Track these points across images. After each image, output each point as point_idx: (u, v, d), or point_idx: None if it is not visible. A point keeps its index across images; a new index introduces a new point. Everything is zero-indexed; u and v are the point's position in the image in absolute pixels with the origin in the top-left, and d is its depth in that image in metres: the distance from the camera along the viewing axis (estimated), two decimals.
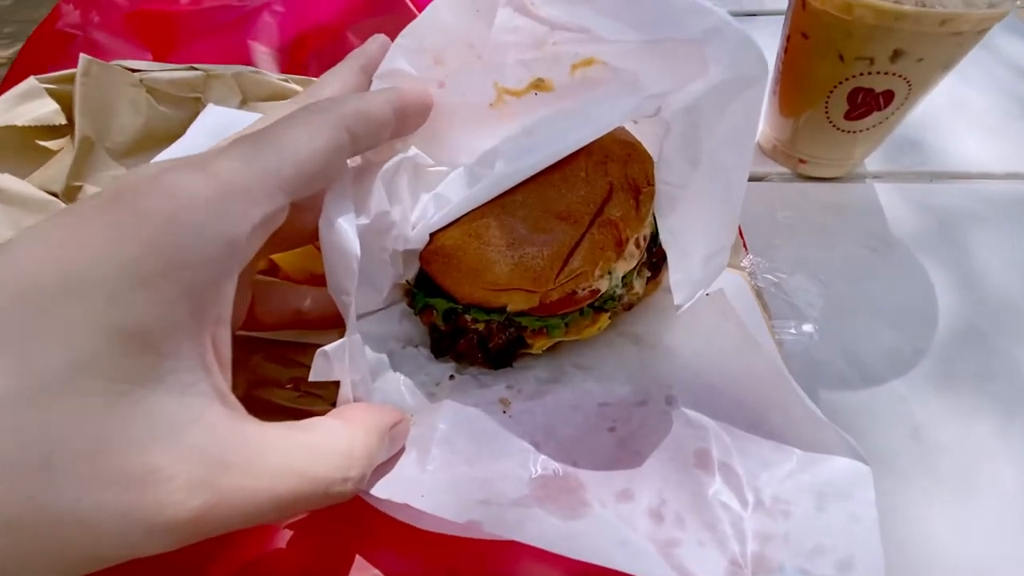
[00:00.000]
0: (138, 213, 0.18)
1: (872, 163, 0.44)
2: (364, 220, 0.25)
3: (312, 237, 0.25)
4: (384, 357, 0.29)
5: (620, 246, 0.28)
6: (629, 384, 0.29)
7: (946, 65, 0.34)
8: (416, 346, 0.31)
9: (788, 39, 0.37)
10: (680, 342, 0.30)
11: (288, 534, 0.24)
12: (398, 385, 0.29)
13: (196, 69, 0.39)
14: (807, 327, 0.32)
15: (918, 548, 0.27)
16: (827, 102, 0.37)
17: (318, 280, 0.32)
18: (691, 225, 0.27)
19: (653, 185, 0.28)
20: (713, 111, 0.23)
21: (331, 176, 0.23)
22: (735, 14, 0.29)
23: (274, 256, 0.33)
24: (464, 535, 0.24)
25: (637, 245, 0.29)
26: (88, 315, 0.16)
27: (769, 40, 0.28)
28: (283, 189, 0.21)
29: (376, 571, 0.23)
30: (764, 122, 0.44)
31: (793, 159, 0.43)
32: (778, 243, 0.38)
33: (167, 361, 0.18)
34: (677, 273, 0.29)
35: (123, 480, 0.16)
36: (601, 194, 0.27)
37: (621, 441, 0.27)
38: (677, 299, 0.29)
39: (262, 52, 0.46)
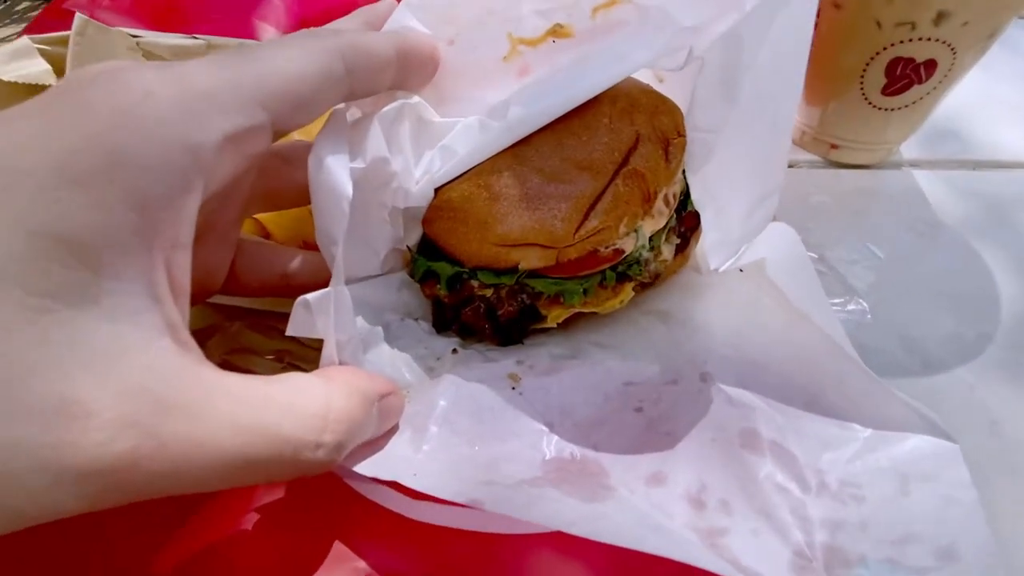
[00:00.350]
0: (84, 103, 0.15)
1: (908, 152, 0.41)
2: (359, 164, 0.23)
3: (305, 198, 0.23)
4: (379, 330, 0.26)
5: (648, 201, 0.25)
6: (657, 363, 0.25)
7: (992, 31, 0.32)
8: (416, 319, 0.28)
9: (817, 15, 0.35)
10: (714, 319, 0.27)
11: (255, 517, 0.20)
12: (393, 358, 0.26)
13: (197, 38, 0.37)
14: (854, 305, 0.29)
15: (1005, 558, 0.22)
16: (863, 77, 0.35)
17: (311, 248, 0.29)
18: (730, 174, 0.24)
19: (684, 136, 0.25)
20: (755, 34, 0.21)
21: (321, 108, 0.21)
22: None
23: (264, 220, 0.30)
24: (462, 526, 0.21)
25: (666, 203, 0.26)
26: (7, 211, 0.14)
27: None
28: (263, 105, 0.18)
29: (361, 562, 0.19)
30: None
31: (824, 144, 0.40)
32: (812, 226, 0.35)
33: (105, 281, 0.15)
34: (714, 233, 0.25)
35: (33, 411, 0.13)
36: (627, 143, 0.24)
37: (650, 422, 0.23)
38: (714, 262, 0.25)
39: (269, 33, 0.45)
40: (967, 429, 0.26)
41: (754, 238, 0.24)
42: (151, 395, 0.14)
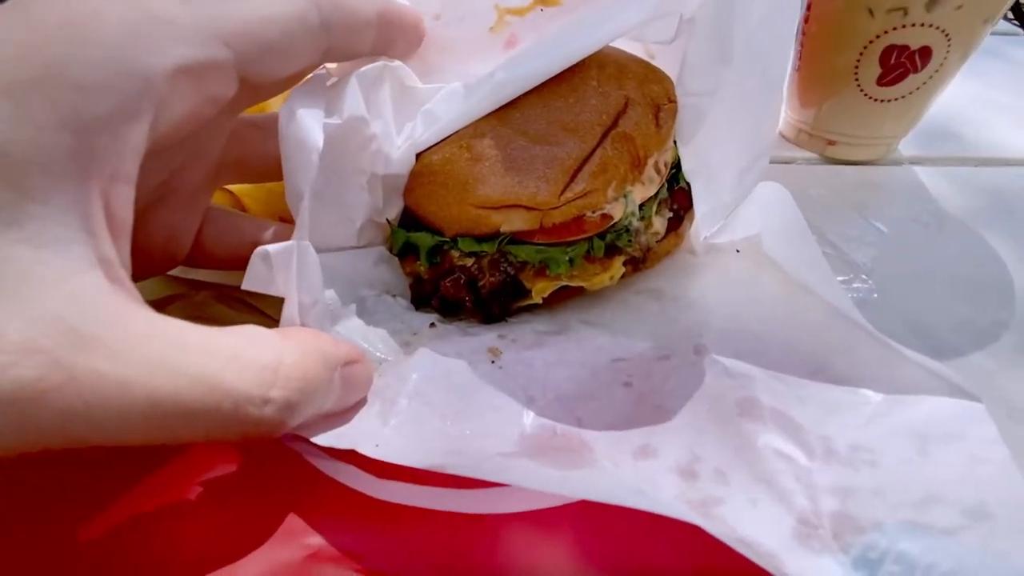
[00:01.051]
0: (29, 15, 0.14)
1: (907, 149, 0.41)
2: (335, 120, 0.22)
3: (279, 172, 0.22)
4: (352, 306, 0.25)
5: (637, 166, 0.23)
6: (649, 339, 0.24)
7: (987, 15, 0.31)
8: (394, 296, 0.26)
9: (808, 8, 0.35)
10: (710, 296, 0.25)
11: (202, 489, 0.18)
12: (365, 332, 0.24)
13: None
14: (858, 283, 0.27)
15: None
16: (857, 67, 0.34)
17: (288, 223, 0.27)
18: (722, 138, 0.23)
19: (675, 102, 0.24)
20: None
21: (292, 57, 0.20)
22: None
23: (239, 192, 0.29)
24: (432, 506, 0.18)
25: (657, 170, 0.24)
26: None
27: None
28: (226, 42, 0.17)
29: (315, 538, 0.17)
30: (785, 108, 0.41)
31: (820, 141, 0.40)
32: (812, 216, 0.34)
33: (31, 204, 0.13)
34: (705, 203, 0.24)
35: None
36: (616, 106, 0.24)
37: (640, 396, 0.21)
38: (705, 229, 0.24)
39: None
40: None
41: (745, 198, 0.23)
42: (67, 325, 0.13)
